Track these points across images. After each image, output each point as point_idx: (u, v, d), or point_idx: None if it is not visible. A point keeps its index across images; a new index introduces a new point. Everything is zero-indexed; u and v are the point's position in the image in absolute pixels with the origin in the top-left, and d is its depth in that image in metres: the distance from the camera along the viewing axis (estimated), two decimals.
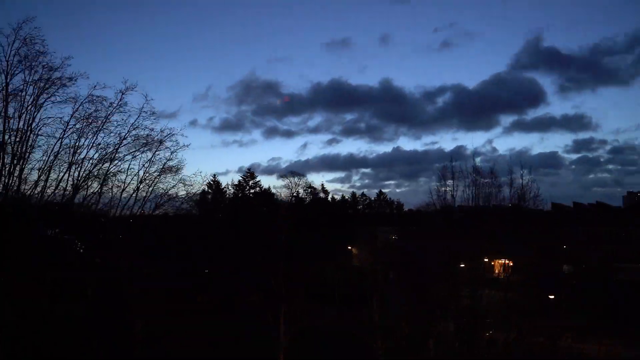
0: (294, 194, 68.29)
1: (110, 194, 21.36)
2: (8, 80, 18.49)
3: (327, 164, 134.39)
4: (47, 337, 18.65)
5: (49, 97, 19.17)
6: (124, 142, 21.09)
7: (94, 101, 19.91)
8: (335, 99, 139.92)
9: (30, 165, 19.41)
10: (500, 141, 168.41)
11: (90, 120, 20.09)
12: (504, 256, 31.06)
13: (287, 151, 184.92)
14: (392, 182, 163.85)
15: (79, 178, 20.28)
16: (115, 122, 20.73)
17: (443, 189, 27.81)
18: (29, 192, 19.29)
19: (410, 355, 27.13)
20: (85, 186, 20.42)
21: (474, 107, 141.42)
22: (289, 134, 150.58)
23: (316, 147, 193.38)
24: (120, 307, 23.33)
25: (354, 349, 32.59)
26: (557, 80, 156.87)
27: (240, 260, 39.20)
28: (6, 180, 18.44)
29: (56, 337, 19.11)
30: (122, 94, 20.52)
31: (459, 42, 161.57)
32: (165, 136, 21.95)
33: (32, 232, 19.66)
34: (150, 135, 21.58)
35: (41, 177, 19.38)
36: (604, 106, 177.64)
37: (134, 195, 21.91)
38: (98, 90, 19.99)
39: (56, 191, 19.87)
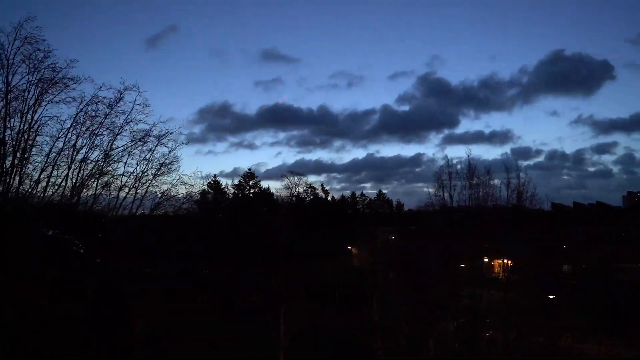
0: (294, 194, 68.24)
1: (109, 193, 21.32)
2: (10, 80, 18.46)
3: (300, 169, 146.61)
4: (47, 337, 18.63)
5: (51, 98, 19.18)
6: (118, 137, 21.05)
7: (98, 102, 19.96)
8: (284, 118, 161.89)
9: (31, 165, 19.42)
10: (448, 150, 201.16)
11: (90, 121, 20.11)
12: (504, 256, 31.10)
13: (259, 159, 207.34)
14: (367, 184, 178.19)
15: (79, 178, 20.28)
16: (112, 120, 20.72)
17: (440, 189, 27.82)
18: (29, 192, 19.27)
19: (410, 355, 27.13)
20: (85, 186, 20.41)
21: (404, 125, 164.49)
22: (252, 147, 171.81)
23: (283, 156, 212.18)
24: (120, 307, 23.30)
25: (354, 349, 32.59)
26: (450, 107, 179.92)
27: (240, 260, 39.17)
28: (7, 180, 18.42)
29: (56, 337, 19.08)
30: (121, 93, 20.53)
31: (356, 83, 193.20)
32: (163, 134, 21.90)
33: (32, 232, 19.64)
34: (147, 130, 21.51)
35: (41, 177, 19.38)
36: (507, 125, 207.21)
37: (132, 194, 21.87)
38: (103, 92, 20.08)
39: (57, 191, 19.85)
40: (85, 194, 20.71)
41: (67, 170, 19.92)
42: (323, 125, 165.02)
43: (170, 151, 22.17)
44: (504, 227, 26.64)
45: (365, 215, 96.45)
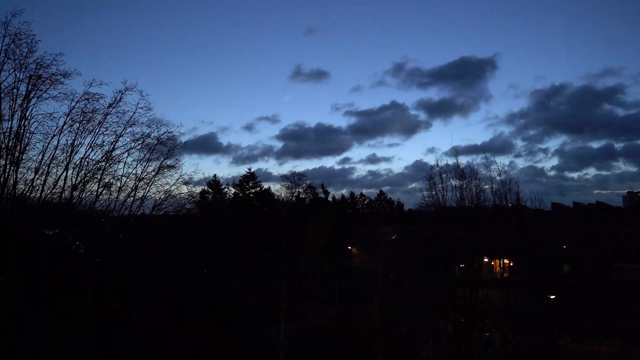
0: (294, 194, 68.29)
1: (108, 193, 21.25)
2: None
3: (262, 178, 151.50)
4: (47, 337, 18.64)
5: (41, 94, 18.92)
6: (120, 139, 20.93)
7: (91, 99, 19.72)
8: (211, 145, 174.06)
9: (26, 165, 19.26)
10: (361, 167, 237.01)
11: (87, 119, 19.95)
12: (504, 256, 31.06)
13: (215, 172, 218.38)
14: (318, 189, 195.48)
15: (77, 177, 20.19)
16: (111, 120, 20.54)
17: (433, 191, 27.89)
18: (26, 192, 19.19)
19: (410, 355, 27.15)
20: (83, 186, 20.30)
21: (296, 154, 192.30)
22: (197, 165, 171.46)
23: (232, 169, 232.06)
24: (120, 307, 23.33)
25: (354, 349, 32.61)
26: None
27: (240, 260, 39.22)
28: (3, 180, 18.35)
29: (56, 337, 19.09)
30: (122, 93, 20.40)
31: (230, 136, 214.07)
32: (162, 134, 21.84)
33: (32, 232, 19.62)
34: (148, 132, 21.43)
35: (37, 177, 19.25)
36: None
37: (132, 194, 21.80)
38: (95, 88, 19.77)
39: (54, 191, 19.75)
40: (85, 194, 20.62)
41: (64, 170, 19.79)
42: (238, 152, 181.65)
43: (169, 150, 22.10)
44: (504, 227, 26.66)
45: (365, 215, 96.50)
